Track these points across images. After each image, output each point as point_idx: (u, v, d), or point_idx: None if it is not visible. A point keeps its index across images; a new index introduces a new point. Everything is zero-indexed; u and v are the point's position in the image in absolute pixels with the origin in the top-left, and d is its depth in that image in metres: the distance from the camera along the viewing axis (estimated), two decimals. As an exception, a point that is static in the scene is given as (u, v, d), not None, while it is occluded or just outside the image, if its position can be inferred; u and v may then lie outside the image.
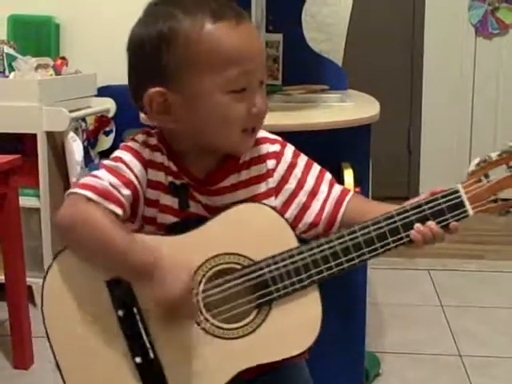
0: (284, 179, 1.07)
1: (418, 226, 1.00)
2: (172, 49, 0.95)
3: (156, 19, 0.97)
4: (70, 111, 2.38)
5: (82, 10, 3.04)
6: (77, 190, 0.97)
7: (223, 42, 0.95)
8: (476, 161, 1.02)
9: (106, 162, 1.01)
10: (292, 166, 1.08)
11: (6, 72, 2.50)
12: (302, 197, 1.07)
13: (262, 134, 1.09)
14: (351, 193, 1.10)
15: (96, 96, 2.75)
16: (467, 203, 1.01)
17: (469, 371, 1.97)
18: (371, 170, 1.72)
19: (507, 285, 2.66)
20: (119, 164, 1.00)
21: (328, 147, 1.52)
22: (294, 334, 0.99)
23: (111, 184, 0.97)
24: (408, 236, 1.00)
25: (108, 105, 2.72)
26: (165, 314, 0.96)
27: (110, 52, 2.92)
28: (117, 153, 1.03)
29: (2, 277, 2.01)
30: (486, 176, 1.02)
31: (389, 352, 2.09)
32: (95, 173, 1.00)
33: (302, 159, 1.09)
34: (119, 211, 0.97)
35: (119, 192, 0.97)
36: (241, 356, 0.98)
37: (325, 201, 1.07)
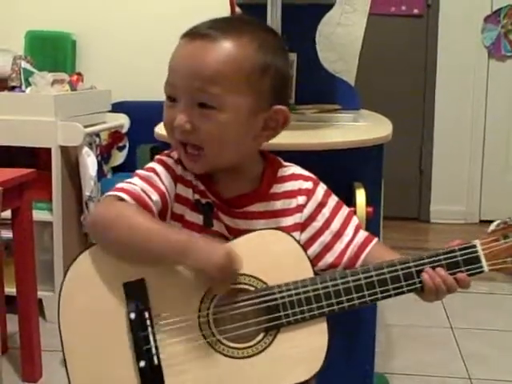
0: (312, 217, 1.09)
1: (428, 269, 1.02)
2: None
3: None
4: (85, 126, 2.40)
5: (98, 27, 3.08)
6: (111, 192, 1.01)
7: (173, 54, 1.03)
8: (497, 222, 1.05)
9: (139, 171, 1.05)
10: (321, 205, 1.10)
11: (23, 87, 2.54)
12: (326, 236, 1.09)
13: (298, 170, 1.12)
14: (375, 240, 1.11)
15: (110, 112, 2.77)
16: (483, 259, 1.03)
17: (478, 395, 1.97)
18: (383, 190, 1.72)
19: (518, 308, 2.64)
20: (151, 174, 1.04)
21: (340, 167, 1.52)
22: (297, 362, 0.98)
23: (143, 190, 1.01)
24: (421, 282, 1.02)
25: (122, 120, 2.75)
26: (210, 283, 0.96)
27: (125, 69, 2.97)
28: (150, 164, 1.07)
29: (14, 290, 2.02)
30: (505, 237, 1.03)
31: (398, 374, 2.08)
32: (129, 179, 1.04)
33: (333, 199, 1.11)
34: None
35: (150, 198, 1.01)
36: (242, 377, 0.98)
37: (348, 244, 1.09)
